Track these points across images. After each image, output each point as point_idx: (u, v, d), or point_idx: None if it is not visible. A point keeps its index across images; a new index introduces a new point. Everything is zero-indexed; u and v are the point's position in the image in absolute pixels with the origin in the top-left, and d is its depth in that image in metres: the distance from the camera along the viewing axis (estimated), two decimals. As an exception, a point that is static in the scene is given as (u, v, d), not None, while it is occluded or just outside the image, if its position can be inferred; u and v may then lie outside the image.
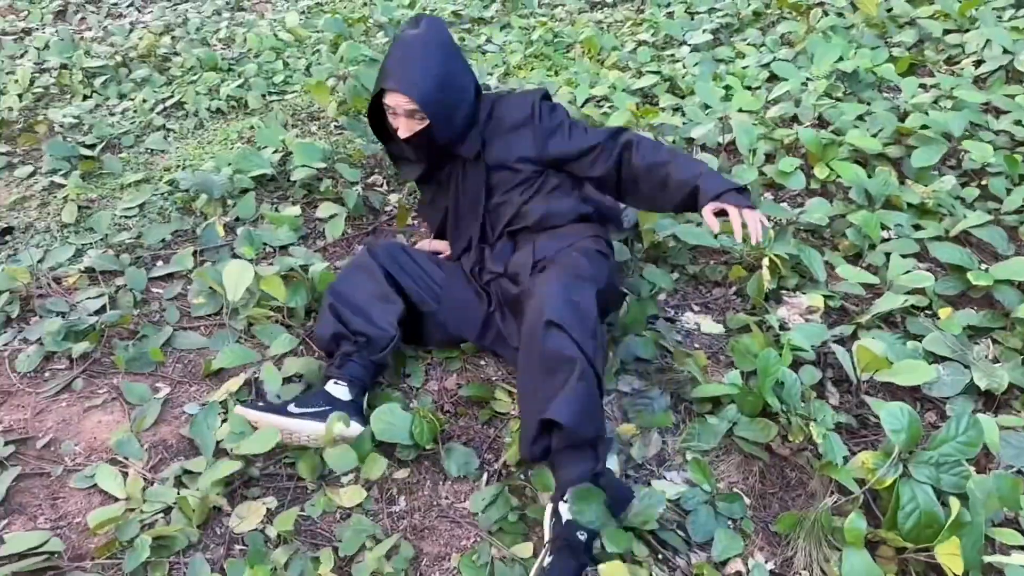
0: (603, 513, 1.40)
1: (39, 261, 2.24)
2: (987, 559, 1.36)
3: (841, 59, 2.91)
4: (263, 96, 3.23)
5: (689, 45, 3.41)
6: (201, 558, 1.42)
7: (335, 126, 2.98)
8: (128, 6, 4.58)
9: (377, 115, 1.89)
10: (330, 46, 3.63)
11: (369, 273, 1.81)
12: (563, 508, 1.40)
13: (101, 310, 2.02)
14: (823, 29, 3.22)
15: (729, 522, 1.53)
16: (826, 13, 3.39)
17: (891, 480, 1.46)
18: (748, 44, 3.38)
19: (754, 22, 3.66)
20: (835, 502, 1.51)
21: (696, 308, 2.13)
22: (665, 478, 1.63)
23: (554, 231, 1.85)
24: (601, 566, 1.34)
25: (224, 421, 1.66)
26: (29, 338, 1.94)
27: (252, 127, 2.97)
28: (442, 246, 2.10)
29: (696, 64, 3.20)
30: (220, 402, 1.72)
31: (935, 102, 2.67)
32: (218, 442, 1.63)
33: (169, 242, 2.34)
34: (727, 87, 2.93)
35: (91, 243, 2.33)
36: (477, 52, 3.69)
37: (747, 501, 1.57)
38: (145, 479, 1.57)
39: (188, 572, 1.40)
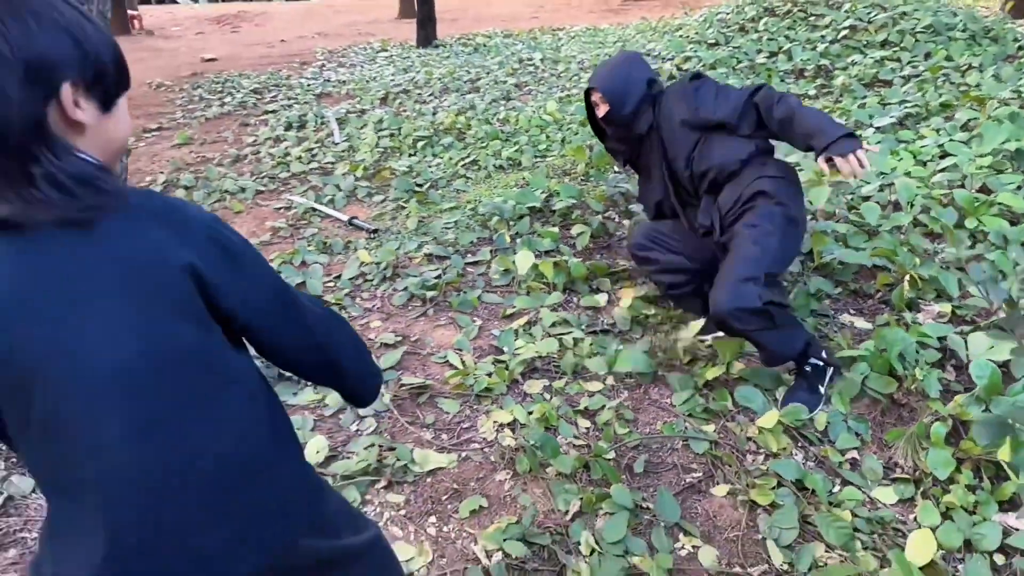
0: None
1: (398, 248, 3.50)
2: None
3: (1008, 140, 3.47)
4: (532, 157, 4.44)
5: (875, 127, 4.11)
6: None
7: (582, 179, 4.08)
8: (430, 95, 6.21)
9: (593, 119, 2.64)
10: (579, 124, 4.81)
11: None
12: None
13: (438, 276, 3.20)
14: (998, 117, 3.78)
15: (855, 434, 2.23)
16: (1006, 103, 3.94)
17: (973, 413, 2.09)
18: (930, 129, 4.00)
19: (939, 112, 4.27)
20: (930, 422, 2.16)
21: (852, 312, 2.83)
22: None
23: (732, 179, 2.36)
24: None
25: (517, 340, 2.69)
26: (397, 288, 3.15)
27: (524, 178, 4.16)
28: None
29: (878, 141, 3.90)
30: (513, 330, 2.77)
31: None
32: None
33: (475, 243, 3.51)
34: (901, 159, 3.61)
35: (427, 240, 3.57)
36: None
37: (869, 424, 2.26)
38: (472, 362, 2.63)
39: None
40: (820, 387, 2.32)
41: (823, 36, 6.05)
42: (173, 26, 14.97)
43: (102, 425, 0.79)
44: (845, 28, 6.01)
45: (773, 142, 2.44)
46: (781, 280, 2.56)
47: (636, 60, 2.55)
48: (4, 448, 2.32)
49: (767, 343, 2.25)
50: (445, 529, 1.94)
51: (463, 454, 2.20)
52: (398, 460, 2.13)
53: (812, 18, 6.56)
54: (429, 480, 2.10)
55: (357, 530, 1.10)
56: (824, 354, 2.33)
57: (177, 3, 24.47)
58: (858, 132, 4.18)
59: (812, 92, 5.10)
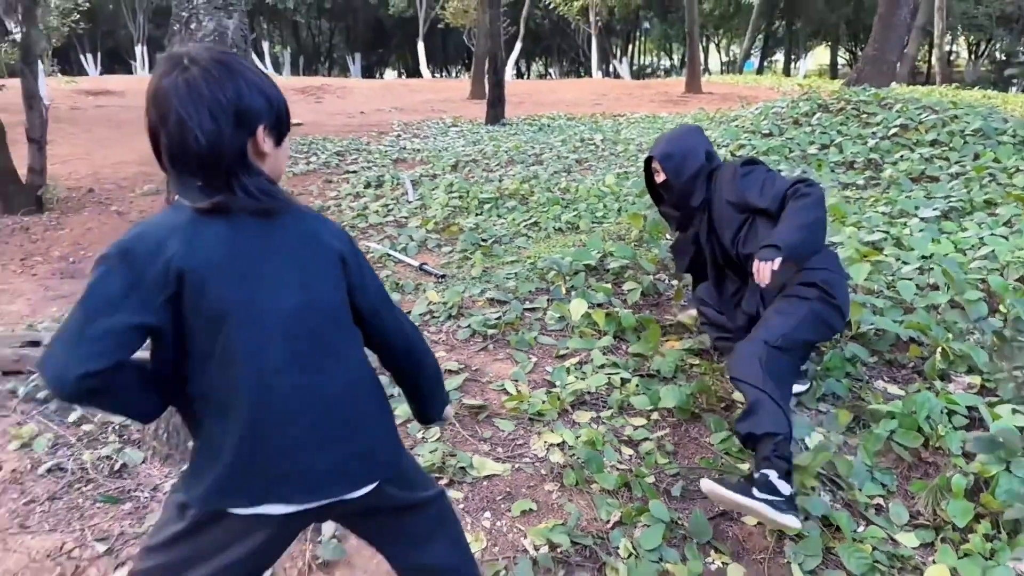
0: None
1: (463, 291, 3.83)
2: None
3: (1047, 234, 3.66)
4: (590, 223, 4.79)
5: (919, 218, 4.34)
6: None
7: (635, 243, 4.39)
8: (497, 165, 6.69)
9: (652, 185, 2.86)
10: (636, 196, 5.17)
11: None
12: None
13: (499, 317, 3.49)
14: (1038, 213, 3.98)
15: (881, 484, 2.39)
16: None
17: (994, 471, 2.25)
18: (973, 223, 4.21)
19: (983, 208, 4.48)
20: (951, 475, 2.31)
21: (886, 379, 3.01)
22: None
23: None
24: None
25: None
26: (461, 325, 3.46)
27: (582, 239, 4.49)
28: (689, 319, 3.19)
29: (921, 230, 4.12)
30: (565, 367, 3.02)
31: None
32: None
33: (533, 292, 3.81)
34: (941, 244, 3.81)
35: (490, 287, 3.89)
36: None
37: (895, 476, 2.42)
38: (527, 391, 2.89)
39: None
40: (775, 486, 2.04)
41: (874, 132, 6.35)
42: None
43: (264, 357, 1.11)
44: (895, 126, 6.31)
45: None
46: (802, 362, 2.64)
47: (696, 132, 2.76)
48: (118, 424, 2.66)
49: (752, 402, 2.18)
50: (498, 524, 2.17)
51: (516, 465, 2.44)
52: (458, 464, 2.38)
53: (864, 116, 6.89)
54: (485, 483, 2.34)
55: (426, 487, 1.39)
56: (784, 473, 2.06)
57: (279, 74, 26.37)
58: (902, 220, 4.41)
59: (860, 182, 5.37)
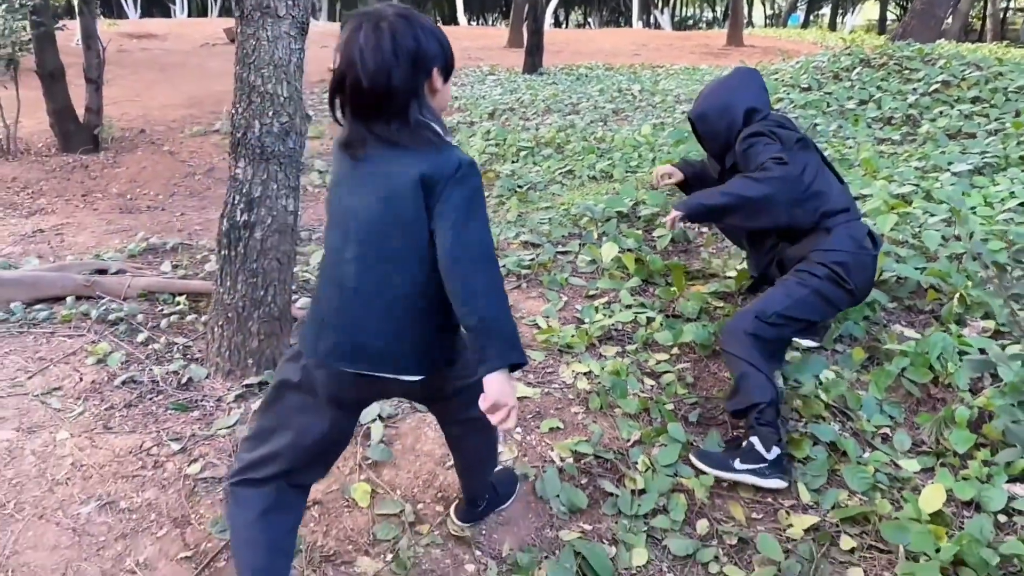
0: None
1: (499, 234, 4.00)
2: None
3: (1079, 190, 3.68)
4: (623, 172, 4.90)
5: (952, 172, 4.36)
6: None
7: (668, 191, 4.49)
8: (534, 114, 6.77)
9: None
10: (672, 145, 5.24)
11: None
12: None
13: (532, 259, 3.66)
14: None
15: (889, 416, 2.54)
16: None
17: (998, 403, 2.38)
18: (1006, 178, 4.22)
19: (1019, 164, 4.47)
20: (955, 407, 2.45)
21: (903, 324, 3.13)
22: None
23: (790, 241, 2.62)
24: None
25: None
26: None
27: (615, 188, 4.61)
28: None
29: (953, 184, 4.15)
30: (594, 306, 3.19)
31: None
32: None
33: (566, 236, 3.96)
34: (970, 198, 3.86)
35: (524, 231, 4.05)
36: (776, 162, 5.02)
37: (903, 409, 2.57)
38: (557, 326, 3.07)
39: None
40: (763, 455, 2.20)
41: (915, 88, 6.28)
42: (299, 40, 16.29)
43: (350, 248, 1.42)
44: (937, 83, 6.23)
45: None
46: (803, 334, 2.73)
47: (737, 87, 2.64)
48: (182, 344, 2.92)
49: (737, 377, 2.32)
50: (528, 438, 2.38)
51: (545, 390, 2.64)
52: (493, 386, 2.59)
53: (906, 71, 6.79)
54: (518, 403, 2.54)
55: (475, 372, 1.57)
56: (777, 441, 2.22)
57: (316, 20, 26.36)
58: (935, 175, 4.44)
59: (896, 137, 5.36)
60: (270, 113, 2.51)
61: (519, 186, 4.76)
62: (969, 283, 3.09)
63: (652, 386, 2.71)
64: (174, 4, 29.93)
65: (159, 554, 1.92)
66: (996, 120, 5.51)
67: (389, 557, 1.94)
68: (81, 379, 2.70)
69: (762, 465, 2.18)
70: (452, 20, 32.87)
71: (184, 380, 2.67)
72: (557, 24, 38.03)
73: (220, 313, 2.65)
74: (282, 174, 2.58)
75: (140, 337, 3.00)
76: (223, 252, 2.62)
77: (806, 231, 2.55)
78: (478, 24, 38.41)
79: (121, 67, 9.99)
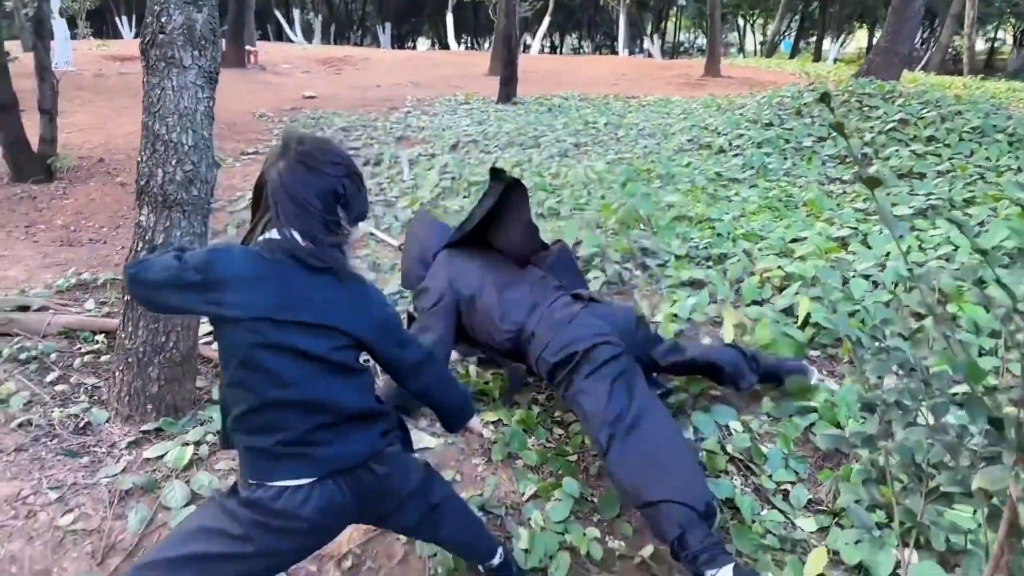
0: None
1: (435, 272, 3.98)
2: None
3: (1009, 238, 3.69)
4: (571, 209, 4.90)
5: (895, 216, 4.37)
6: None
7: (611, 232, 4.49)
8: (495, 147, 6.79)
9: None
10: (620, 184, 5.25)
11: None
12: None
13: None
14: (1009, 215, 4.00)
15: (794, 471, 2.52)
16: (1020, 203, 4.15)
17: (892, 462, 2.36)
18: (947, 221, 4.24)
19: (962, 207, 4.49)
20: (853, 466, 2.42)
21: (825, 372, 3.11)
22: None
23: None
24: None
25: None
26: (427, 305, 3.61)
27: (560, 226, 4.60)
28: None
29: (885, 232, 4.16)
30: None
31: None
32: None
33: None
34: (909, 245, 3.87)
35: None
36: (724, 200, 5.03)
37: (808, 465, 2.54)
38: (475, 372, 3.04)
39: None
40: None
41: (872, 127, 6.34)
42: (284, 63, 16.39)
43: (294, 374, 1.45)
44: (894, 121, 6.29)
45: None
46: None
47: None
48: (91, 385, 2.87)
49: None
50: (420, 492, 2.34)
51: (450, 440, 2.60)
52: (394, 436, 2.55)
53: (866, 108, 6.86)
54: (417, 455, 2.50)
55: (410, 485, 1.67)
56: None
57: (292, 42, 26.55)
58: (875, 217, 4.46)
59: (847, 177, 5.39)
60: (173, 161, 2.49)
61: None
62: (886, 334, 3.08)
63: (560, 435, 2.68)
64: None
65: (13, 615, 1.86)
66: (949, 160, 5.55)
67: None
68: (-22, 422, 2.65)
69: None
70: (444, 45, 33.16)
71: (83, 424, 2.63)
72: (552, 49, 38.42)
73: (121, 358, 2.62)
74: (186, 221, 2.56)
75: (50, 377, 2.96)
76: (126, 297, 2.60)
77: None
78: (471, 48, 38.80)
79: (95, 92, 10.00)
